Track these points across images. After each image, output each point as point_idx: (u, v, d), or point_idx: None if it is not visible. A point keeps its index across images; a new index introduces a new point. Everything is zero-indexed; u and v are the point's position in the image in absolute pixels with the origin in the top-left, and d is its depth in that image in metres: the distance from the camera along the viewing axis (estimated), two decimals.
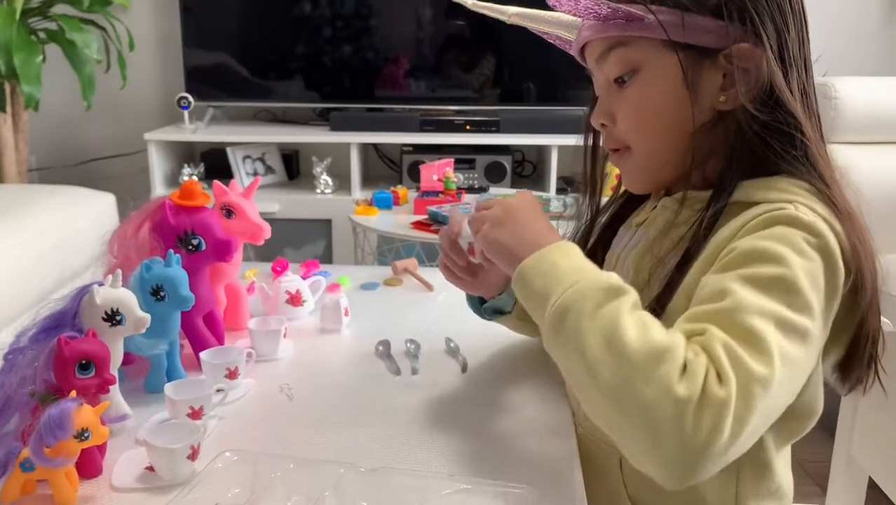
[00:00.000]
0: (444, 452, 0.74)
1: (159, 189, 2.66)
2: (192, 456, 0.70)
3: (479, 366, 0.94)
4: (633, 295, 0.63)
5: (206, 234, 0.91)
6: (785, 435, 0.74)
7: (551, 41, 0.85)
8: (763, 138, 0.70)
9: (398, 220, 2.09)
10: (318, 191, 2.69)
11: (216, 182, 1.02)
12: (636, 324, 0.60)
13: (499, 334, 1.01)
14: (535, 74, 2.88)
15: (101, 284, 0.77)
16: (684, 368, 0.57)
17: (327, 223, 2.69)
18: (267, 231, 1.01)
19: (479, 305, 0.95)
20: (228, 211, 0.99)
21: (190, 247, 0.90)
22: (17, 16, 2.27)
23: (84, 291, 0.76)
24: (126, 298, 0.77)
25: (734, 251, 0.64)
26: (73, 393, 0.68)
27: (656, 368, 0.57)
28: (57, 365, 0.70)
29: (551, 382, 0.88)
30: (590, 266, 0.67)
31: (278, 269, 1.18)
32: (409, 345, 0.99)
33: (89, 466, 0.71)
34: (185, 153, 2.87)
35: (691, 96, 0.71)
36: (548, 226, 0.74)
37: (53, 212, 2.06)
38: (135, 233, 0.90)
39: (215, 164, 2.72)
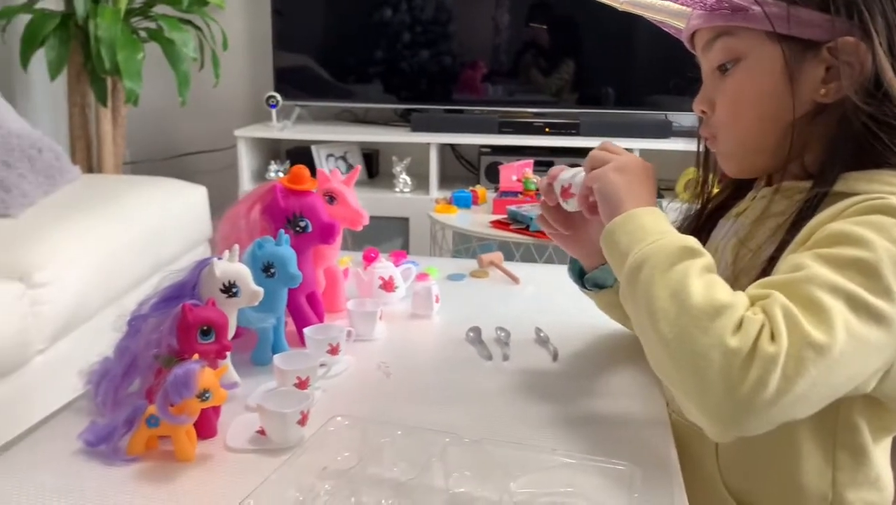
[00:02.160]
0: (542, 431, 0.76)
1: (246, 185, 2.76)
2: (302, 421, 0.74)
3: (569, 355, 0.95)
4: (707, 259, 0.67)
5: (313, 217, 0.95)
6: (878, 425, 0.74)
7: (666, 30, 0.87)
8: (869, 130, 0.70)
9: (477, 219, 2.11)
10: (397, 189, 2.74)
11: (320, 169, 1.06)
12: (703, 282, 0.63)
13: (588, 325, 1.02)
14: (614, 78, 2.87)
15: (219, 259, 0.81)
16: (740, 323, 0.60)
17: (405, 221, 2.74)
18: (365, 217, 1.05)
19: (580, 277, 0.97)
20: (331, 197, 1.03)
21: (297, 228, 0.94)
22: (122, 15, 2.40)
23: (204, 264, 0.81)
24: (242, 271, 0.81)
25: (823, 233, 0.66)
26: (195, 357, 0.73)
27: (713, 320, 0.60)
28: (181, 330, 0.75)
29: (644, 373, 0.89)
30: (673, 230, 0.70)
31: (371, 256, 1.22)
32: (499, 332, 1.01)
33: (206, 426, 0.75)
34: (271, 150, 2.96)
35: (792, 87, 0.72)
36: (654, 193, 0.77)
37: (149, 202, 2.17)
38: (246, 214, 0.95)
39: (300, 161, 2.77)
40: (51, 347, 1.66)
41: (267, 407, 0.73)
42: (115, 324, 0.82)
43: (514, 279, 1.24)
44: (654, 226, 0.70)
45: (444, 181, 2.90)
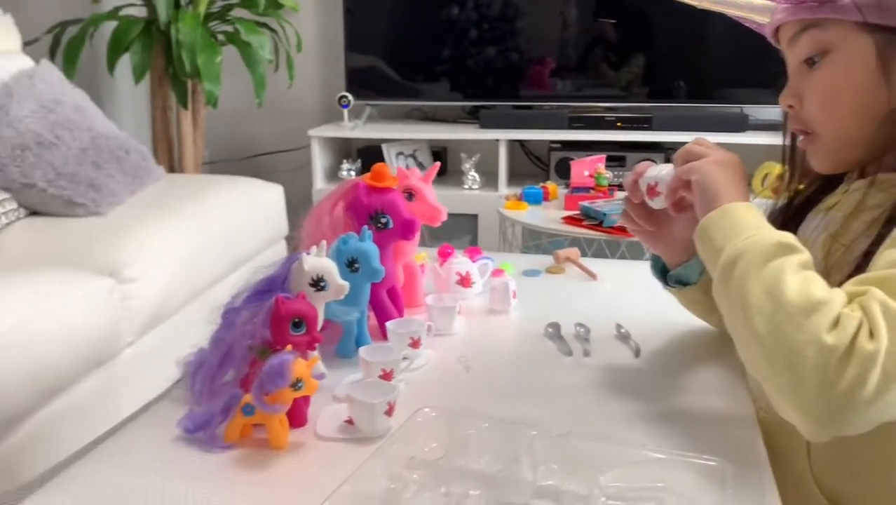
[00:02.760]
0: (627, 426, 0.76)
1: (319, 183, 2.82)
2: (389, 412, 0.76)
3: (651, 352, 0.95)
4: (805, 255, 0.65)
5: (394, 213, 0.97)
6: None
7: (747, 25, 0.85)
8: None
9: (548, 215, 2.11)
10: (466, 186, 2.75)
11: (399, 167, 1.08)
12: (799, 278, 0.62)
13: (670, 322, 1.01)
14: (686, 72, 2.82)
15: (307, 254, 0.84)
16: (837, 320, 0.59)
17: (474, 218, 2.75)
18: (443, 214, 1.07)
19: (663, 274, 0.96)
20: (410, 194, 1.05)
21: (379, 225, 0.97)
22: (201, 20, 2.48)
23: (293, 259, 0.84)
24: (330, 266, 0.84)
25: None
26: (288, 348, 0.75)
27: (808, 317, 0.59)
28: (274, 322, 0.77)
29: (728, 369, 0.87)
30: (768, 226, 0.69)
31: (447, 252, 1.24)
32: (578, 328, 1.01)
33: (297, 415, 0.78)
34: (343, 149, 3.02)
35: (886, 78, 0.70)
36: (747, 189, 0.76)
37: (229, 200, 2.23)
38: (330, 211, 0.98)
39: (371, 159, 2.82)
40: (139, 339, 1.73)
41: (355, 397, 0.76)
42: (209, 316, 0.85)
43: (592, 275, 1.24)
44: (750, 221, 0.69)
45: (513, 178, 2.89)
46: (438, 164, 1.16)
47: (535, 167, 3.04)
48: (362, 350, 0.86)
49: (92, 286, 1.58)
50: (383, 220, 0.97)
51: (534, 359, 0.94)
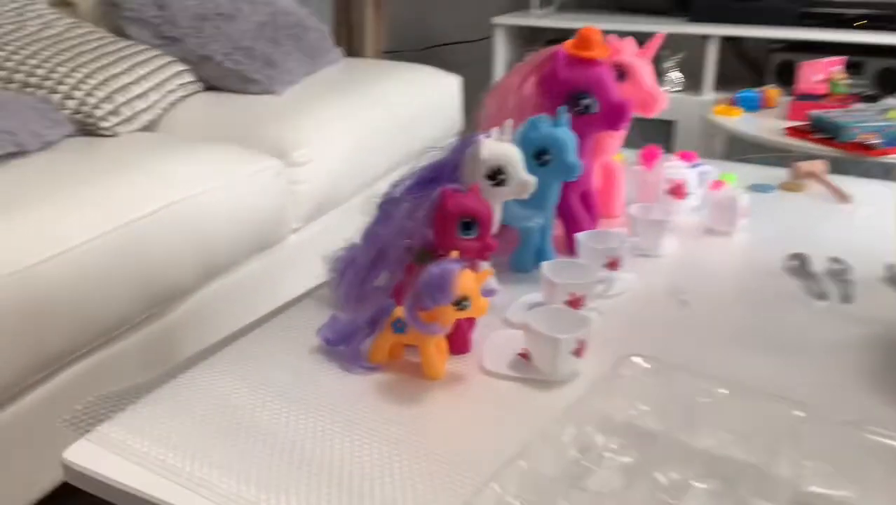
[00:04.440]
0: None
1: (500, 77, 2.61)
2: (578, 351, 0.57)
3: None
4: None
5: (600, 94, 0.75)
6: None
7: None
8: None
9: (766, 125, 1.78)
10: (665, 88, 2.43)
11: (610, 36, 0.85)
12: None
13: None
14: None
15: (486, 138, 0.65)
16: None
17: (669, 125, 2.43)
18: (662, 101, 0.84)
19: None
20: (621, 72, 0.82)
21: (579, 108, 0.76)
22: None
23: (468, 143, 0.65)
24: (513, 155, 0.65)
25: None
26: (454, 254, 0.58)
27: None
28: (438, 220, 0.60)
29: None
30: None
31: (653, 154, 1.01)
32: (832, 264, 0.76)
33: (460, 340, 0.61)
34: (529, 40, 2.77)
35: None
36: None
37: (406, 88, 2.10)
38: (518, 87, 0.78)
39: None
40: (304, 227, 1.67)
41: (535, 328, 0.58)
42: (364, 206, 0.70)
43: (843, 197, 0.96)
44: None
45: (720, 82, 2.53)
46: (661, 35, 0.90)
47: (747, 71, 2.63)
48: (546, 266, 0.68)
49: (260, 167, 1.51)
50: (585, 103, 0.76)
51: (770, 299, 0.71)
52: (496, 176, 0.64)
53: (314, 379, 0.58)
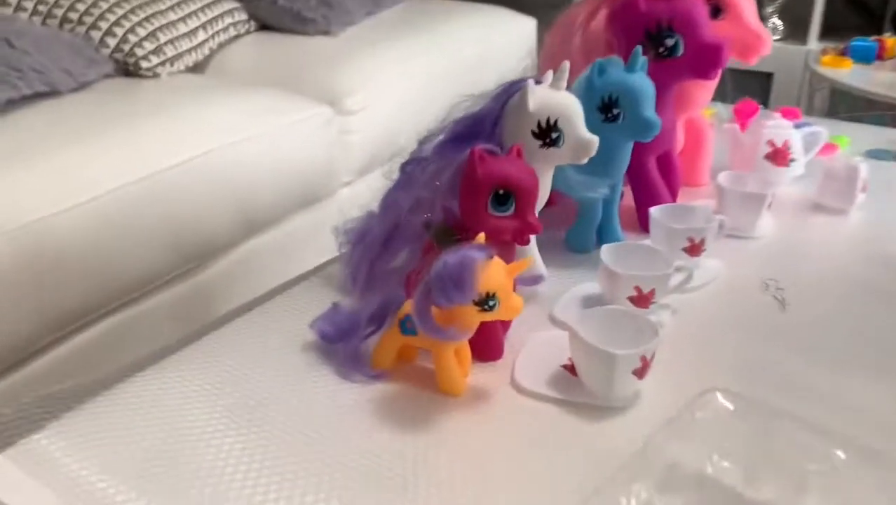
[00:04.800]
0: None
1: None
2: (641, 371, 0.43)
3: None
4: None
5: (689, 32, 0.59)
6: None
7: None
8: None
9: (883, 79, 1.56)
10: None
11: None
12: None
13: None
14: None
15: (537, 83, 0.51)
16: None
17: (766, 77, 2.20)
18: (767, 44, 0.67)
19: None
20: (716, 8, 0.66)
21: (662, 49, 0.60)
22: None
23: (513, 89, 0.51)
24: (570, 106, 0.50)
25: None
26: (482, 237, 0.45)
27: None
28: (465, 189, 0.47)
29: None
30: None
31: (749, 109, 0.84)
32: None
33: (489, 343, 0.48)
34: None
35: None
36: None
37: (473, 30, 1.95)
38: (586, 21, 0.63)
39: None
40: (357, 180, 1.56)
41: (583, 336, 0.44)
42: (386, 170, 0.57)
43: None
44: None
45: (826, 31, 2.27)
46: None
47: (861, 18, 2.35)
48: (606, 251, 0.53)
49: (308, 114, 1.40)
50: (669, 42, 0.60)
51: None
52: (547, 134, 0.50)
53: (297, 388, 0.46)
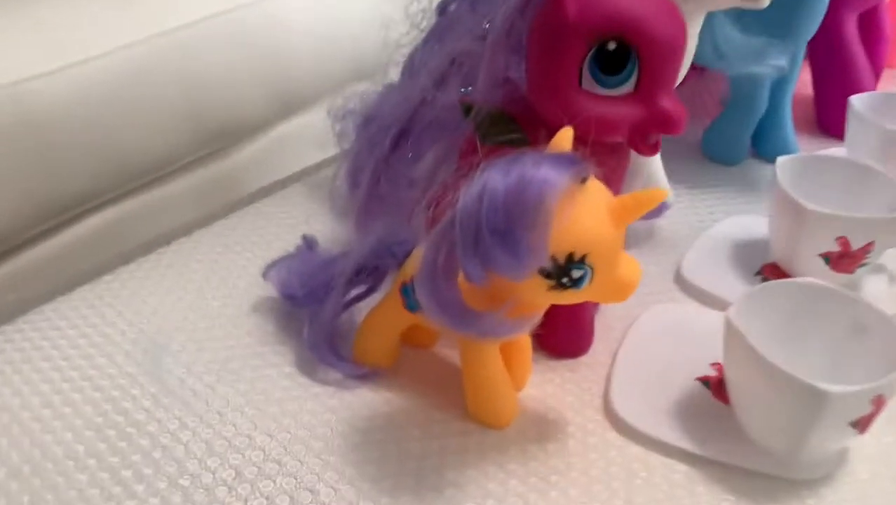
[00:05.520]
0: None
1: None
2: (865, 421, 0.21)
3: None
4: None
5: None
6: None
7: None
8: None
9: None
10: None
11: None
12: None
13: None
14: None
15: None
16: None
17: None
18: None
19: None
20: None
21: None
22: None
23: None
24: None
25: None
26: (568, 135, 0.22)
27: None
28: (541, 39, 0.24)
29: None
30: None
31: None
32: None
33: (564, 329, 0.27)
34: None
35: None
36: None
37: None
38: None
39: None
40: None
41: (759, 348, 0.22)
42: (408, 7, 0.35)
43: None
44: None
45: None
46: None
47: None
48: (784, 165, 0.30)
49: None
50: None
51: None
52: None
53: (233, 382, 0.26)
